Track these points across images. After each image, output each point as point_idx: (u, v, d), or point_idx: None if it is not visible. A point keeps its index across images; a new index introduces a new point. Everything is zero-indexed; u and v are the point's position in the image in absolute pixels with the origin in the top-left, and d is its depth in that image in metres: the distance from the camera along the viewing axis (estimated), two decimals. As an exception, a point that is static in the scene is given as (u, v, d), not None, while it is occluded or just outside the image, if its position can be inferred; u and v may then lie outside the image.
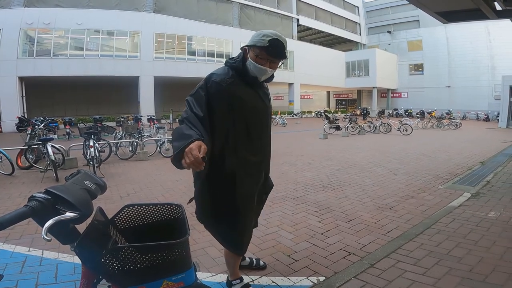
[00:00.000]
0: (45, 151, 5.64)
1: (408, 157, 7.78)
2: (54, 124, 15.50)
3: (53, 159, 5.48)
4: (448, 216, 3.53)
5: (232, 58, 1.81)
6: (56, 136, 14.04)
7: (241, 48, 1.76)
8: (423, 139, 12.15)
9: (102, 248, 0.98)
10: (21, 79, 18.59)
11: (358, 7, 38.72)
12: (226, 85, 1.68)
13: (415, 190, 4.65)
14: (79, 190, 0.96)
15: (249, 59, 1.71)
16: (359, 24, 38.90)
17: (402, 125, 14.26)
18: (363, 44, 38.90)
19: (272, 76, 1.83)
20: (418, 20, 33.83)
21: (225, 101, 1.68)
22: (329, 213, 3.67)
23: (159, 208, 1.28)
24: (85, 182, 1.01)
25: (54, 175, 5.48)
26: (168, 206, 1.29)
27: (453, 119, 19.07)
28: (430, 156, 7.84)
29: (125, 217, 1.24)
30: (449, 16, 5.57)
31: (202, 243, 2.86)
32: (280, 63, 1.75)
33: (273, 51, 1.66)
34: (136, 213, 1.26)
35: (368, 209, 3.80)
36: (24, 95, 19.01)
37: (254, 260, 2.40)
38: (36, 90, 20.00)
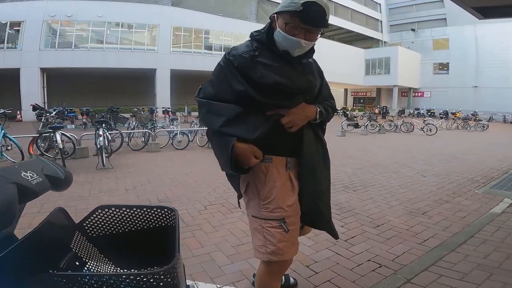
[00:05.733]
0: (55, 139, 5.48)
1: (435, 158, 7.21)
2: (72, 114, 15.64)
3: (61, 147, 5.31)
4: (491, 224, 3.09)
5: (257, 30, 1.37)
6: (73, 126, 14.12)
7: (270, 17, 1.32)
8: (449, 140, 11.47)
9: (43, 268, 0.64)
10: (43, 70, 18.94)
11: (380, 4, 37.50)
12: (249, 56, 1.28)
13: (449, 194, 4.17)
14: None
15: (278, 29, 1.28)
16: (381, 21, 37.67)
17: (426, 125, 13.61)
18: (384, 41, 37.65)
19: (312, 50, 1.37)
20: (445, 19, 32.42)
21: (252, 74, 1.27)
22: (353, 216, 3.28)
23: (145, 212, 0.94)
24: (22, 174, 0.68)
25: (62, 164, 5.29)
26: (158, 210, 0.94)
27: (480, 121, 18.04)
28: (459, 158, 7.25)
29: (98, 222, 0.92)
30: (486, 12, 5.02)
31: (208, 246, 2.52)
32: (320, 34, 1.29)
33: (308, 18, 1.20)
34: (114, 217, 0.93)
35: (397, 214, 3.37)
36: (45, 85, 19.36)
37: (283, 277, 1.90)
38: (57, 80, 20.36)
